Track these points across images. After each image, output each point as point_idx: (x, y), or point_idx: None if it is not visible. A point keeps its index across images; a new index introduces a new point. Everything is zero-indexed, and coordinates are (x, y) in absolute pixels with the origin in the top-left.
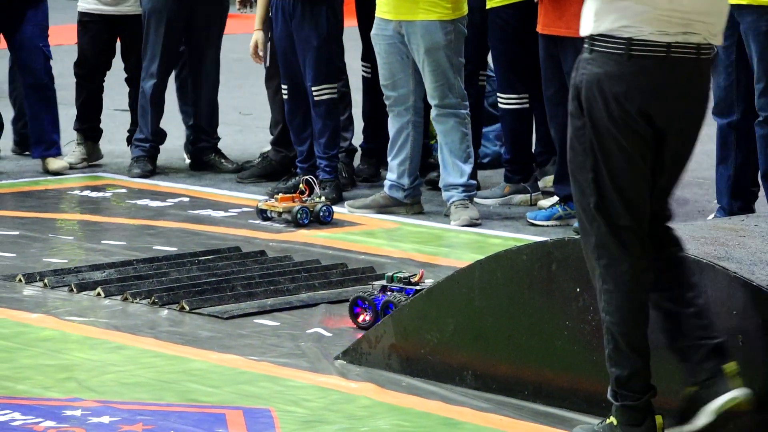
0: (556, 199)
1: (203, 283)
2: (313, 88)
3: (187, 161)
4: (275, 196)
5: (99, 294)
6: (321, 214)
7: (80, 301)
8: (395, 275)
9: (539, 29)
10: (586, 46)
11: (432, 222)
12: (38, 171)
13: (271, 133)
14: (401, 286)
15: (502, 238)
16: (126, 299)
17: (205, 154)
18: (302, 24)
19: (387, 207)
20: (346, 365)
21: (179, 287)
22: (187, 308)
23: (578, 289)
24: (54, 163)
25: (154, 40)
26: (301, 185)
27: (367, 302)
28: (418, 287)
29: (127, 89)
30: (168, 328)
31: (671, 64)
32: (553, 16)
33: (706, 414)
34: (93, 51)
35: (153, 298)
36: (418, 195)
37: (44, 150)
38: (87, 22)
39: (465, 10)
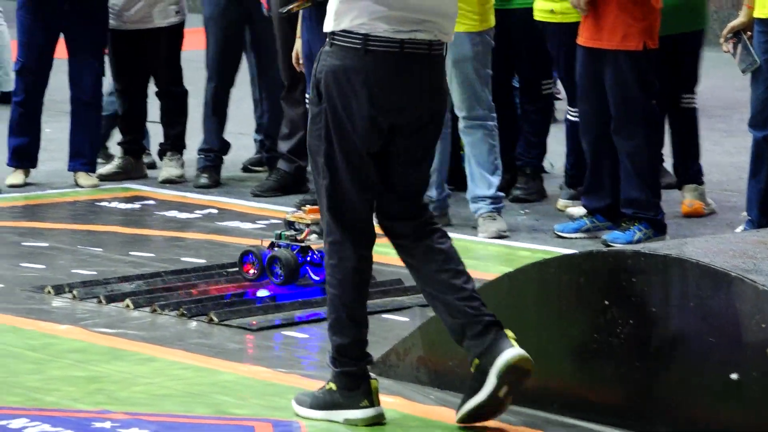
0: (584, 210)
1: (232, 295)
2: (307, 96)
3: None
4: (303, 207)
5: (128, 306)
6: None
7: (109, 312)
8: (282, 233)
9: (580, 41)
10: (327, 40)
11: (460, 234)
12: (68, 183)
13: (279, 146)
14: (288, 242)
15: (531, 250)
16: (155, 311)
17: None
18: (307, 31)
19: None
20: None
21: (208, 299)
22: (216, 320)
23: (606, 302)
24: (85, 179)
25: (212, 49)
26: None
27: (255, 256)
28: (303, 244)
29: (158, 102)
30: (197, 340)
31: (404, 58)
32: (594, 29)
33: (491, 379)
34: (124, 66)
35: (182, 309)
36: (446, 207)
37: (79, 164)
38: (113, 39)
39: (492, 22)
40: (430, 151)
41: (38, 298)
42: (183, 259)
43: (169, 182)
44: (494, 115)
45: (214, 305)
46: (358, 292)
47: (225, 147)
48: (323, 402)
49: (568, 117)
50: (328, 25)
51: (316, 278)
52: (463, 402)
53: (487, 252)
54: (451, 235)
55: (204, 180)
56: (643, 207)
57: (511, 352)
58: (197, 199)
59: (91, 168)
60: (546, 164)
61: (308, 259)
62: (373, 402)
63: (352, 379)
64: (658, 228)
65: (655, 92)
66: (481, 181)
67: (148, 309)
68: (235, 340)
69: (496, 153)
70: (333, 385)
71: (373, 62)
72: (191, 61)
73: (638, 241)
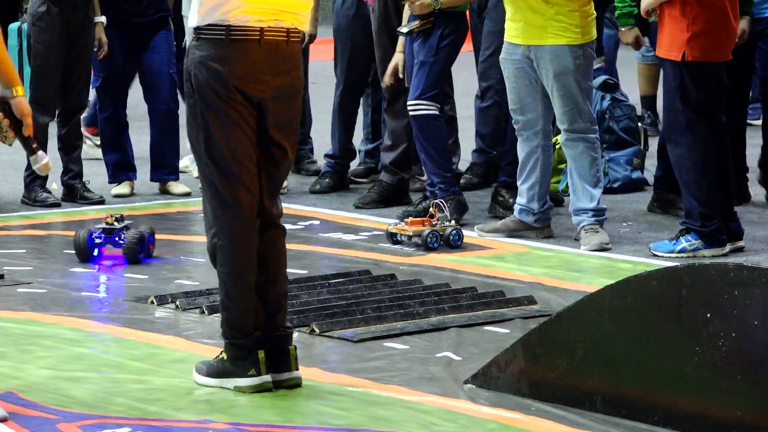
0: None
1: (333, 306)
2: (408, 102)
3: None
4: (405, 219)
5: None
6: (451, 237)
7: (211, 323)
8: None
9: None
10: (194, 35)
11: (562, 246)
12: (154, 193)
13: (381, 157)
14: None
15: (632, 262)
16: None
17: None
18: (416, 39)
19: (517, 231)
20: (475, 389)
21: (309, 310)
22: (317, 331)
23: (708, 315)
24: (177, 187)
25: (341, 58)
26: (431, 209)
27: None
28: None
29: None
30: (298, 351)
31: (265, 44)
32: (657, 37)
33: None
34: None
35: None
36: (548, 219)
37: (165, 174)
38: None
39: (594, 34)
40: (293, 126)
41: (141, 308)
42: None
43: None
44: (596, 127)
45: (315, 316)
46: (247, 270)
47: (349, 154)
48: (216, 370)
49: None
50: (193, 21)
51: None
52: None
53: (588, 264)
54: (553, 247)
55: (318, 186)
56: (689, 217)
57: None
58: (300, 210)
59: (177, 176)
60: (648, 176)
61: None
62: (260, 371)
63: (241, 350)
64: (707, 240)
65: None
66: (583, 194)
67: None
68: (336, 351)
69: (598, 166)
70: (225, 355)
71: (235, 50)
72: (322, 69)
73: (682, 251)
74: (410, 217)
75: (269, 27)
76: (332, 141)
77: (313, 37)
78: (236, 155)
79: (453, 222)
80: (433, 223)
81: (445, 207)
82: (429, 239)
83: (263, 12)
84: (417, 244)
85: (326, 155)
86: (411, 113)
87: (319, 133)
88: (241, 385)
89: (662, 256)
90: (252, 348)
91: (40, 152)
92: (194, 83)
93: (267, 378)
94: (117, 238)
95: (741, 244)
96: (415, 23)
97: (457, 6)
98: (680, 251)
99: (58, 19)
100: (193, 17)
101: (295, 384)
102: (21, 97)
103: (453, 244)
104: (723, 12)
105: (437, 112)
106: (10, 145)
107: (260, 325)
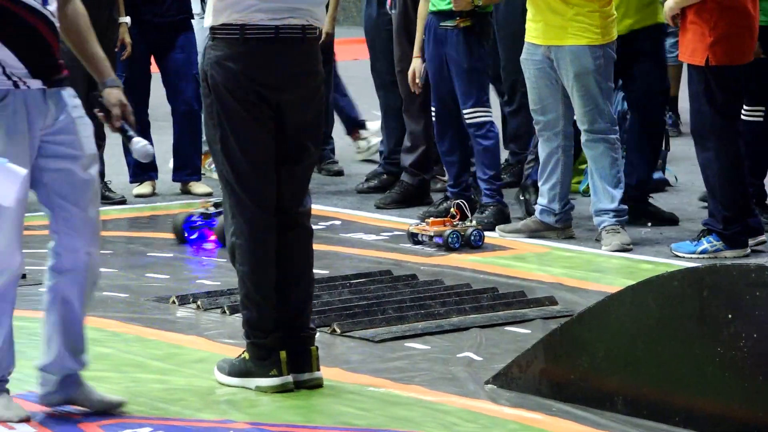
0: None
1: (354, 306)
2: (464, 111)
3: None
4: (426, 220)
5: None
6: (472, 238)
7: (232, 323)
8: None
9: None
10: (209, 35)
11: (583, 247)
12: (175, 193)
13: (401, 159)
14: None
15: (653, 263)
16: None
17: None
18: (456, 47)
19: (538, 231)
20: (496, 390)
21: (331, 310)
22: (339, 331)
23: (730, 316)
24: (199, 187)
25: (373, 59)
26: (452, 209)
27: None
28: None
29: None
30: (319, 351)
31: (280, 42)
32: (679, 42)
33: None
34: None
35: None
36: (569, 220)
37: (187, 174)
38: None
39: (614, 35)
40: (313, 126)
41: (163, 308)
42: None
43: None
44: (616, 128)
45: (336, 316)
46: (265, 269)
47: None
48: (238, 370)
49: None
50: (208, 21)
51: None
52: None
53: (609, 265)
54: (574, 247)
55: (363, 185)
56: (712, 217)
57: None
58: (321, 211)
59: (198, 176)
60: (670, 177)
61: None
62: (282, 371)
63: (263, 350)
64: (729, 242)
65: (730, 108)
66: (604, 195)
67: None
68: (357, 351)
69: (619, 166)
70: (247, 355)
71: (250, 50)
72: (344, 70)
73: (703, 252)
74: (431, 218)
75: (284, 25)
76: (386, 141)
77: (330, 36)
78: (251, 155)
79: (474, 222)
80: (455, 223)
81: (466, 207)
82: (450, 239)
83: (277, 10)
84: (438, 245)
85: (380, 152)
86: (469, 121)
87: (340, 133)
88: (263, 385)
89: (683, 257)
90: (273, 348)
91: (135, 138)
92: (210, 83)
93: (288, 378)
94: (213, 222)
95: (763, 238)
96: (457, 20)
97: (488, 7)
98: (702, 252)
99: None
100: (208, 17)
101: (317, 384)
102: (109, 87)
103: (474, 244)
104: (745, 14)
105: (492, 119)
106: None
107: (282, 324)
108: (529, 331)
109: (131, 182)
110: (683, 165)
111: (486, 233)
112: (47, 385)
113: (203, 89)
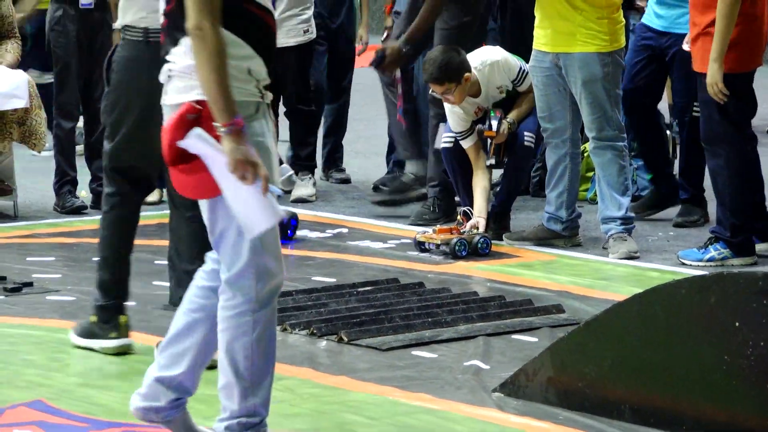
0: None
1: (362, 315)
2: (526, 133)
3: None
4: (433, 228)
5: None
6: (479, 245)
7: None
8: None
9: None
10: (121, 35)
11: (590, 255)
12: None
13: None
14: None
15: (660, 271)
16: (285, 330)
17: None
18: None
19: (545, 239)
20: (503, 398)
21: (338, 318)
22: (346, 339)
23: (737, 324)
24: None
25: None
26: (459, 217)
27: None
28: None
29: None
30: (326, 359)
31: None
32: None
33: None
34: None
35: (312, 329)
36: (577, 227)
37: None
38: None
39: (623, 42)
40: None
41: (170, 316)
42: (314, 278)
43: (300, 201)
44: (624, 135)
45: (344, 324)
46: (124, 237)
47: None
48: (87, 331)
49: None
50: (118, 21)
51: None
52: None
53: (617, 273)
54: (581, 255)
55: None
56: (720, 225)
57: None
58: (329, 219)
59: None
60: None
61: None
62: (120, 334)
63: (106, 313)
64: (736, 249)
65: (740, 115)
66: (612, 202)
67: (278, 328)
68: (364, 359)
69: (627, 174)
70: (94, 318)
71: (153, 53)
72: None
73: (710, 260)
74: (438, 226)
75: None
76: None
77: (366, 45)
78: (137, 139)
79: (480, 229)
80: (461, 231)
81: (471, 214)
82: (457, 247)
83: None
84: (445, 253)
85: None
86: (527, 143)
87: (349, 140)
88: (105, 346)
89: (691, 265)
90: (115, 312)
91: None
92: (114, 78)
93: (128, 341)
94: None
95: None
96: (496, 148)
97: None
98: (709, 260)
99: (74, 22)
100: (119, 16)
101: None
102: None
103: (481, 252)
104: (754, 20)
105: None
106: (39, 152)
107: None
108: (536, 340)
109: None
110: None
111: (493, 241)
112: (155, 400)
113: (107, 77)
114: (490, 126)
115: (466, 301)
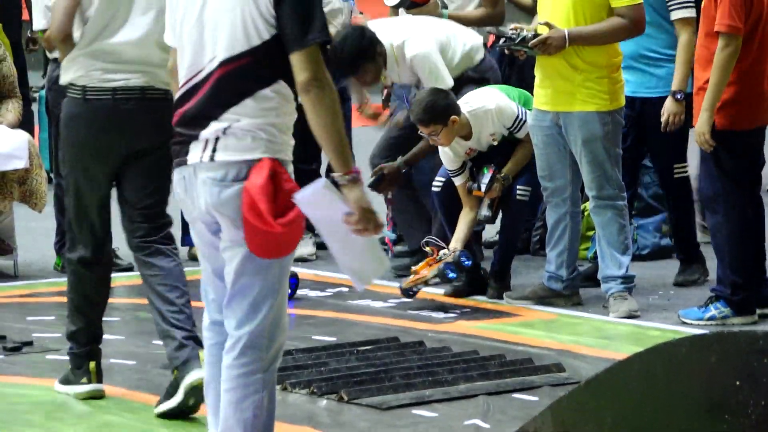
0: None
1: (362, 373)
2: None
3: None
4: (411, 270)
5: None
6: (462, 260)
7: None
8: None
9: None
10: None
11: (590, 313)
12: (182, 260)
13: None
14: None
15: (661, 330)
16: (285, 389)
17: None
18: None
19: (545, 298)
20: None
21: (338, 377)
22: (346, 398)
23: (738, 383)
24: None
25: None
26: (426, 248)
27: None
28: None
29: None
30: (326, 418)
31: (118, 103)
32: None
33: (180, 391)
34: None
35: (312, 387)
36: (577, 286)
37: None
38: None
39: (622, 101)
40: (161, 176)
41: (169, 376)
42: (314, 337)
43: (300, 260)
44: (624, 194)
45: (344, 383)
46: (88, 294)
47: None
48: (65, 378)
49: None
50: (61, 79)
51: None
52: (161, 401)
53: (617, 331)
54: (582, 314)
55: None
56: (720, 284)
57: (197, 373)
58: (329, 278)
59: None
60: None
61: None
62: (91, 379)
63: (78, 360)
64: (737, 308)
65: (738, 173)
66: (612, 261)
67: (278, 387)
68: (365, 418)
69: (627, 233)
70: (70, 365)
71: (92, 109)
72: None
73: (711, 319)
74: (412, 267)
75: (121, 87)
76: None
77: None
78: (85, 200)
79: (452, 249)
80: (437, 258)
81: (436, 240)
82: (446, 272)
83: (115, 71)
84: (437, 283)
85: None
86: (520, 198)
87: None
88: (77, 391)
89: (691, 324)
90: (87, 358)
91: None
92: (62, 134)
93: (98, 386)
94: None
95: None
96: (491, 203)
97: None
98: (709, 318)
99: None
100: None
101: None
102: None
103: (464, 265)
104: (753, 78)
105: None
106: (40, 212)
107: (96, 339)
108: (537, 399)
109: None
110: None
111: (494, 300)
112: None
113: (58, 133)
114: (479, 186)
115: (467, 360)
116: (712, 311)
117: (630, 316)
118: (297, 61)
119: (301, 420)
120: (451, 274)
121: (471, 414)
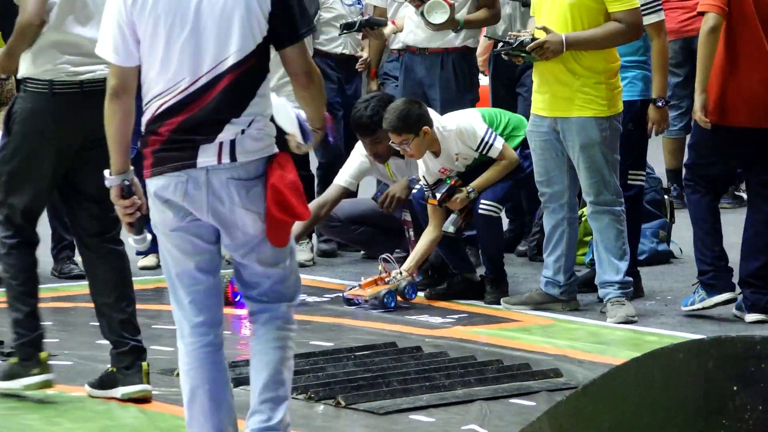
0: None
1: (359, 379)
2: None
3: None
4: (360, 282)
5: None
6: (405, 292)
7: (238, 395)
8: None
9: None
10: (21, 86)
11: (587, 319)
12: None
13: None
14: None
15: (658, 335)
16: None
17: None
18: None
19: (543, 303)
20: None
21: (335, 382)
22: (343, 403)
23: (735, 388)
24: None
25: None
26: (380, 266)
27: None
28: None
29: None
30: (323, 424)
31: (86, 96)
32: None
33: (118, 394)
34: None
35: (309, 393)
36: (574, 292)
37: None
38: None
39: (620, 107)
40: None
41: (167, 380)
42: (311, 342)
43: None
44: (622, 200)
45: (341, 388)
46: (31, 279)
47: None
48: (8, 374)
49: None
50: (19, 72)
51: None
52: (93, 384)
53: (614, 337)
54: (579, 319)
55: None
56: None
57: (134, 387)
58: (327, 283)
59: None
60: (675, 249)
61: None
62: (43, 370)
63: (27, 350)
64: (709, 289)
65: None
66: (609, 267)
67: None
68: (361, 423)
69: (624, 238)
70: (15, 359)
71: (59, 103)
72: None
73: (692, 304)
74: (362, 278)
75: (87, 79)
76: None
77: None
78: (37, 191)
79: (404, 274)
80: (386, 280)
81: (392, 259)
82: (386, 299)
83: (81, 63)
84: (374, 305)
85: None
86: (483, 212)
87: None
88: (28, 383)
89: (687, 313)
90: (36, 348)
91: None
92: (13, 130)
93: (49, 376)
94: None
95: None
96: (457, 217)
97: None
98: (691, 304)
99: None
100: (20, 67)
101: (145, 397)
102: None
103: (408, 297)
104: (736, 77)
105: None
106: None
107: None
108: (534, 404)
109: (137, 255)
110: (688, 237)
111: (491, 305)
112: None
113: (4, 129)
114: (434, 195)
115: (464, 365)
116: (693, 297)
117: (627, 322)
118: (292, 54)
119: (298, 425)
120: (391, 303)
121: (468, 419)
